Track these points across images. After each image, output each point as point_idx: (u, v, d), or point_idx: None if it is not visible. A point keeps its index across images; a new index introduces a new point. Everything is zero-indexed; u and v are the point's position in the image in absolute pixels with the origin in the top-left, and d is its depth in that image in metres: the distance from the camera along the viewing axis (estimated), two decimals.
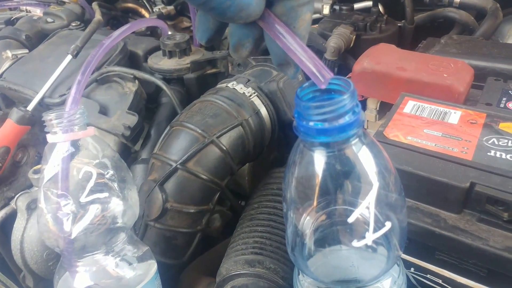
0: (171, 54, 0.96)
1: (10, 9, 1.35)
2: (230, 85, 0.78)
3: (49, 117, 0.58)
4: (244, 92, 0.76)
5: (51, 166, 0.59)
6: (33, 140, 0.92)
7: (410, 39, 1.05)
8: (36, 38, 1.19)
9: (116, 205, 0.61)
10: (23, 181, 0.86)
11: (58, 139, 0.58)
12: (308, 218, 0.48)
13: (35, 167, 0.83)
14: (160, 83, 0.86)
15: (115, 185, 0.61)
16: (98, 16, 1.02)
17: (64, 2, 1.24)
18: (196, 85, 0.97)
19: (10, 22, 1.26)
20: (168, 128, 0.74)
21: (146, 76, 0.86)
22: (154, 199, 0.68)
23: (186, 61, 0.97)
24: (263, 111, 0.77)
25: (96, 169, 0.60)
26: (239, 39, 0.42)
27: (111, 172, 0.61)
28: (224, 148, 0.71)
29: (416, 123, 0.62)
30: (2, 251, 0.81)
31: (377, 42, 0.97)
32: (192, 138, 0.70)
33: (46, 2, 1.28)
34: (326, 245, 0.47)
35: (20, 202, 0.77)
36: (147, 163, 0.81)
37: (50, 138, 0.59)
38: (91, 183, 0.59)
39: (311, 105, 0.42)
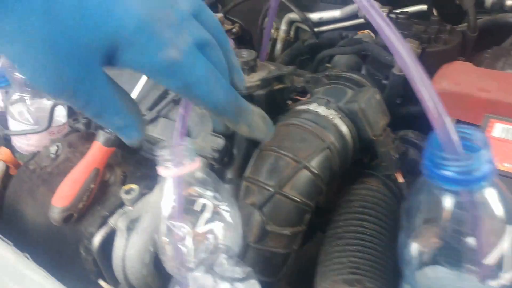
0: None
1: None
2: (312, 107, 0.81)
3: (163, 153, 0.62)
4: (327, 115, 0.80)
5: (168, 200, 0.64)
6: (117, 159, 0.97)
7: (471, 48, 1.06)
8: None
9: (227, 232, 0.65)
10: (114, 200, 0.91)
11: (172, 173, 0.63)
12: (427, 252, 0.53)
13: (124, 187, 0.89)
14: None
15: (228, 214, 0.66)
16: None
17: None
18: (265, 101, 1.00)
19: None
20: (257, 151, 0.78)
21: None
22: (255, 222, 0.73)
23: (254, 78, 1.00)
24: (345, 131, 0.81)
25: (210, 199, 0.65)
26: None
27: (224, 202, 0.66)
28: (316, 172, 0.74)
29: (508, 147, 0.65)
30: (102, 267, 0.87)
31: (442, 55, 0.99)
32: (285, 163, 0.74)
33: None
34: None
35: (120, 223, 0.83)
36: (234, 183, 0.85)
37: (163, 172, 0.63)
38: (207, 214, 0.64)
39: (447, 156, 0.45)
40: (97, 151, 0.90)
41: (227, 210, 0.65)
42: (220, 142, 0.84)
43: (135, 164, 1.00)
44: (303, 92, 1.09)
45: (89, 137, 1.08)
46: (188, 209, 0.64)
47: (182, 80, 0.42)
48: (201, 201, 0.64)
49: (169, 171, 0.64)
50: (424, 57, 0.98)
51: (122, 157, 0.98)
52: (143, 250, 0.82)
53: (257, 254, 0.75)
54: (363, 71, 1.12)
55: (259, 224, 0.73)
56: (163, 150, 0.63)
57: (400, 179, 0.90)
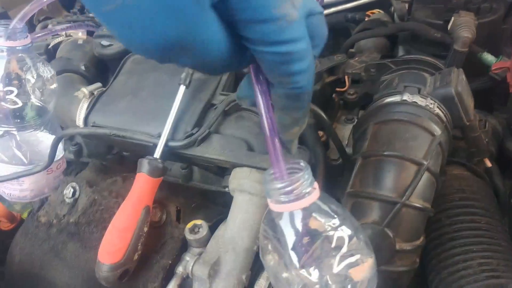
0: None
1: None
2: (407, 98, 0.70)
3: (281, 186, 0.49)
4: (426, 105, 0.69)
5: (291, 241, 0.51)
6: (165, 192, 0.79)
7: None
8: (93, 67, 1.02)
9: (365, 265, 0.53)
10: (172, 243, 0.74)
11: (291, 208, 0.50)
12: None
13: (188, 226, 0.72)
14: (316, 109, 0.76)
15: (360, 242, 0.53)
16: None
17: None
18: (319, 98, 0.88)
19: (48, 51, 1.07)
20: (359, 159, 0.66)
21: None
22: (384, 243, 0.61)
23: None
24: (445, 120, 0.71)
25: (345, 230, 0.52)
26: (242, 93, 0.48)
27: (351, 228, 0.53)
28: (436, 172, 0.64)
29: None
30: None
31: (491, 25, 0.93)
32: (405, 168, 0.62)
33: (85, 22, 1.10)
34: None
35: (200, 271, 0.66)
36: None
37: (283, 207, 0.50)
38: (343, 249, 0.51)
39: None
40: (144, 184, 0.72)
41: (359, 238, 0.53)
42: (305, 154, 0.70)
43: (182, 194, 0.83)
44: (356, 82, 0.98)
45: (107, 170, 0.89)
46: (320, 247, 0.51)
47: (287, 46, 0.36)
48: (335, 234, 0.51)
49: (290, 205, 0.50)
50: (478, 29, 0.91)
51: (168, 189, 0.81)
52: None
53: (384, 278, 0.63)
54: (400, 52, 1.03)
55: (389, 244, 0.61)
56: (282, 185, 0.50)
57: (489, 163, 0.82)
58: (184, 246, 0.74)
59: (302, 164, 0.52)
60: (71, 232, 0.77)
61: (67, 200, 0.81)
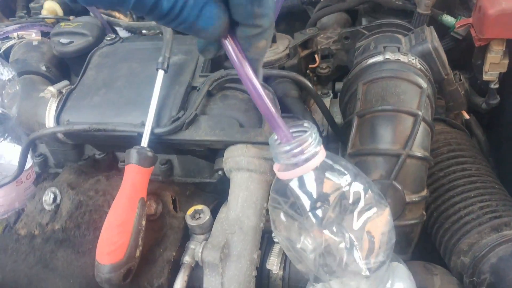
0: None
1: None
2: (389, 56, 0.71)
3: (290, 147, 0.48)
4: (409, 61, 0.71)
5: (307, 204, 0.50)
6: (157, 183, 0.75)
7: None
8: (54, 67, 0.96)
9: (382, 218, 0.53)
10: (173, 233, 0.70)
11: (304, 171, 0.49)
12: None
13: (188, 213, 0.69)
14: (303, 79, 0.75)
15: (375, 194, 0.53)
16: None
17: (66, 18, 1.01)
18: (298, 71, 0.88)
19: (3, 56, 0.99)
20: (356, 119, 0.66)
21: (292, 75, 0.75)
22: (394, 197, 0.61)
23: (280, 48, 0.87)
24: (427, 74, 0.73)
25: (359, 184, 0.52)
26: (205, 44, 0.48)
27: (362, 182, 0.53)
28: (429, 121, 0.65)
29: None
30: None
31: None
32: (403, 120, 0.63)
33: (34, 23, 1.03)
34: None
35: (210, 256, 0.63)
36: None
37: (293, 173, 0.49)
38: (361, 204, 0.51)
39: None
40: (136, 176, 0.68)
41: (373, 190, 0.53)
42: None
43: (175, 182, 0.79)
44: (325, 57, 0.99)
45: (87, 170, 0.83)
46: (339, 205, 0.50)
47: None
48: (351, 189, 0.51)
49: (303, 168, 0.49)
50: None
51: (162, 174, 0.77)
52: (247, 280, 0.64)
53: (398, 233, 0.63)
54: (364, 23, 1.05)
55: (399, 198, 0.61)
56: (283, 146, 0.49)
57: (467, 115, 0.86)
58: (185, 236, 0.71)
59: (306, 124, 0.51)
60: (59, 239, 0.71)
61: (48, 207, 0.75)
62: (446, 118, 0.84)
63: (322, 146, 0.49)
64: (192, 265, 0.66)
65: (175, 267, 0.67)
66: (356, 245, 0.48)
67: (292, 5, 1.31)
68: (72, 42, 0.94)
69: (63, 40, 0.94)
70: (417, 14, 0.90)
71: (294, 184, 0.49)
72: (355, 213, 0.49)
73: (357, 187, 0.49)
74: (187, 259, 0.67)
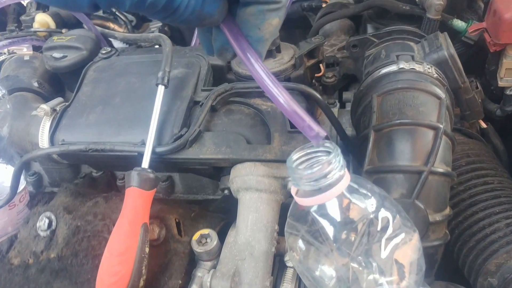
0: (267, 55, 0.80)
1: None
2: (404, 66, 0.67)
3: (306, 172, 0.44)
4: (425, 70, 0.67)
5: (331, 228, 0.46)
6: (160, 206, 0.71)
7: None
8: (47, 83, 0.91)
9: (411, 244, 0.49)
10: (178, 260, 0.66)
11: (327, 198, 0.45)
12: None
13: (194, 238, 0.64)
14: (312, 91, 0.71)
15: (403, 219, 0.49)
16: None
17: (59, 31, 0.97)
18: (304, 81, 0.83)
19: None
20: (372, 133, 0.62)
21: (301, 87, 0.71)
22: (416, 217, 0.57)
23: (285, 58, 0.82)
24: (443, 82, 0.69)
25: (387, 209, 0.48)
26: (223, 44, 0.46)
27: (388, 205, 0.49)
28: (450, 134, 0.61)
29: None
30: None
31: None
32: (423, 135, 0.59)
33: (25, 37, 0.98)
34: None
35: (219, 286, 0.59)
36: None
37: (315, 199, 0.45)
38: (389, 231, 0.46)
39: None
40: (137, 199, 0.63)
41: (401, 214, 0.49)
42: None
43: (179, 202, 0.74)
44: (330, 65, 0.95)
45: (83, 194, 0.78)
46: (367, 233, 0.46)
47: None
48: (380, 215, 0.47)
49: (323, 197, 0.45)
50: None
51: (160, 202, 0.72)
52: None
53: None
54: (369, 30, 1.02)
55: (422, 217, 0.57)
56: (304, 170, 0.44)
57: (484, 124, 0.82)
58: (191, 262, 0.66)
59: (328, 144, 0.46)
60: (54, 269, 0.66)
61: (42, 234, 0.70)
62: (462, 128, 0.80)
63: (346, 169, 0.44)
64: None
65: None
66: (385, 275, 0.44)
67: (292, 11, 1.27)
68: (66, 56, 0.89)
69: (56, 54, 0.90)
70: (426, 19, 0.87)
71: (315, 211, 0.45)
72: (383, 241, 0.44)
73: (385, 212, 0.45)
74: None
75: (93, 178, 0.87)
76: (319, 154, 0.46)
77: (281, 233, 0.66)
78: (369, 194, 0.46)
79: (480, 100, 0.77)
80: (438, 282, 0.64)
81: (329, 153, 0.45)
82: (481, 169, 0.70)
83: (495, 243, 0.61)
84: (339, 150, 0.45)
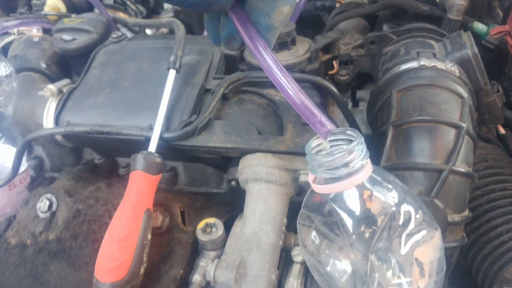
0: (281, 47, 0.78)
1: None
2: (425, 63, 0.65)
3: (333, 158, 0.41)
4: (447, 68, 0.65)
5: (350, 220, 0.43)
6: (165, 193, 0.68)
7: None
8: (54, 64, 0.89)
9: (433, 241, 0.46)
10: (181, 249, 0.63)
11: (346, 186, 0.42)
12: None
13: (199, 226, 0.62)
14: (328, 84, 0.69)
15: (425, 214, 0.47)
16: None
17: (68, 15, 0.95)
18: (319, 76, 0.81)
19: (1, 51, 0.92)
20: (391, 129, 0.59)
21: (317, 79, 0.68)
22: (434, 216, 0.54)
23: (300, 51, 0.80)
24: (466, 82, 0.67)
25: (410, 203, 0.45)
26: (230, 32, 0.44)
27: (410, 199, 0.46)
28: (473, 134, 0.59)
29: None
30: None
31: None
32: (445, 132, 0.57)
33: (36, 19, 0.96)
34: None
35: (223, 276, 0.56)
36: None
37: (333, 187, 0.43)
38: (411, 226, 0.44)
39: None
40: (142, 184, 0.61)
41: (423, 210, 0.46)
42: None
43: (184, 194, 0.72)
44: (344, 63, 0.93)
45: (86, 176, 0.76)
46: (388, 227, 0.43)
47: None
48: (401, 209, 0.44)
49: (343, 184, 0.42)
50: None
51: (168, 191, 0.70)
52: None
53: None
54: (386, 29, 0.99)
55: (440, 217, 0.54)
56: (325, 156, 0.42)
57: (503, 130, 0.80)
58: (194, 252, 0.64)
59: (350, 132, 0.44)
60: (52, 250, 0.64)
61: (42, 215, 0.68)
62: (480, 132, 0.78)
63: (369, 159, 0.42)
64: (202, 285, 0.59)
65: (183, 286, 0.60)
66: (404, 273, 0.41)
67: (305, 11, 1.25)
68: (75, 39, 0.87)
69: (66, 36, 0.88)
70: (447, 20, 0.85)
71: (333, 201, 0.42)
72: (403, 236, 0.42)
73: (407, 207, 0.42)
74: (196, 278, 0.59)
75: (95, 164, 0.85)
76: (340, 142, 0.44)
77: (288, 228, 0.64)
78: (391, 187, 0.44)
79: (500, 104, 0.75)
80: None
81: (351, 141, 0.43)
82: (500, 174, 0.68)
83: None
84: (362, 139, 0.43)
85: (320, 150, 0.44)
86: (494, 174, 0.68)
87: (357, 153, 0.41)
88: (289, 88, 0.42)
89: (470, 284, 0.68)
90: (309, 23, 1.28)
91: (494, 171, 0.68)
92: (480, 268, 0.62)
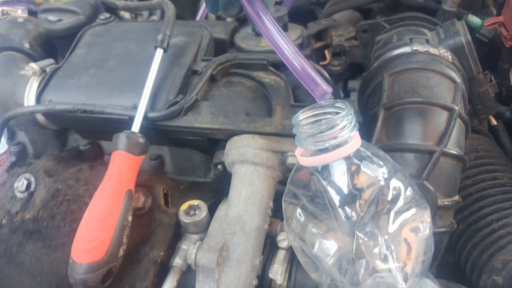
0: None
1: None
2: (418, 48, 0.64)
3: (310, 128, 0.40)
4: (440, 53, 0.63)
5: (336, 194, 0.42)
6: (147, 174, 0.66)
7: None
8: (39, 45, 0.87)
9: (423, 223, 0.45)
10: (162, 231, 0.61)
11: (335, 157, 0.41)
12: None
13: (182, 208, 0.60)
14: (320, 68, 0.67)
15: (415, 192, 0.45)
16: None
17: None
18: None
19: None
20: (382, 111, 0.58)
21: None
22: (425, 199, 0.52)
23: (291, 37, 0.79)
24: (459, 68, 0.66)
25: (399, 179, 0.44)
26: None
27: (399, 176, 0.45)
28: (465, 118, 0.58)
29: None
30: None
31: None
32: (437, 115, 0.56)
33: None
34: None
35: (205, 259, 0.54)
36: None
37: (319, 159, 0.41)
38: (399, 202, 0.42)
39: None
40: (123, 164, 0.59)
41: (413, 187, 0.45)
42: None
43: (167, 174, 0.70)
44: (337, 54, 0.92)
45: (67, 160, 0.74)
46: (376, 202, 0.42)
47: None
48: (390, 185, 0.42)
49: (330, 155, 0.41)
50: None
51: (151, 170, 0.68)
52: None
53: None
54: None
55: (430, 200, 0.53)
56: (311, 127, 0.41)
57: (494, 121, 0.79)
58: (176, 235, 0.61)
59: (340, 104, 0.43)
60: (28, 230, 0.61)
61: (19, 195, 0.65)
62: (471, 123, 0.76)
63: (357, 132, 0.40)
64: (183, 269, 0.57)
65: (162, 269, 0.58)
66: (392, 251, 0.39)
67: (299, 5, 1.24)
68: (61, 20, 0.85)
69: (52, 17, 0.85)
70: (441, 11, 0.84)
71: (320, 174, 0.40)
72: (392, 213, 0.40)
73: (397, 182, 0.41)
74: (177, 261, 0.57)
75: (80, 151, 0.83)
76: (328, 114, 0.43)
77: (274, 215, 0.62)
78: (381, 162, 0.42)
79: (493, 95, 0.74)
80: (438, 280, 0.60)
81: (339, 112, 0.41)
82: (490, 164, 0.67)
83: (503, 238, 0.57)
84: (351, 110, 0.41)
85: (308, 122, 0.42)
86: (484, 164, 0.67)
87: (345, 123, 0.40)
88: (287, 50, 0.42)
89: (458, 277, 0.66)
90: (303, 18, 1.27)
91: (484, 161, 0.67)
92: (469, 258, 0.61)
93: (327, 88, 0.41)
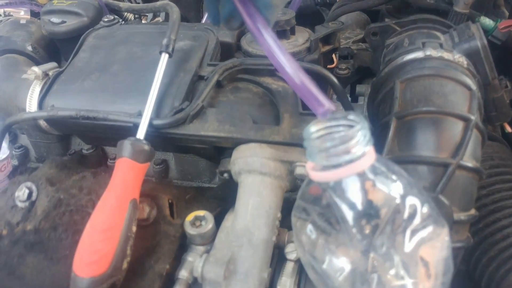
0: (280, 35, 0.75)
1: None
2: (431, 53, 0.62)
3: (325, 143, 0.38)
4: (454, 59, 0.61)
5: (349, 212, 0.40)
6: (152, 183, 0.64)
7: None
8: (42, 48, 0.85)
9: (439, 239, 0.42)
10: (168, 243, 0.59)
11: (346, 173, 0.39)
12: None
13: (188, 219, 0.58)
14: (328, 73, 0.65)
15: (432, 210, 0.43)
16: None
17: None
18: None
19: None
20: (394, 120, 0.56)
21: (316, 68, 0.65)
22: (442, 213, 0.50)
23: (299, 40, 0.77)
24: (475, 74, 0.63)
25: (415, 196, 0.42)
26: (230, 11, 0.45)
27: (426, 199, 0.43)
28: (482, 128, 0.56)
29: None
30: None
31: None
32: (452, 125, 0.53)
33: (24, 0, 0.92)
34: None
35: (211, 272, 0.52)
36: None
37: (331, 174, 0.39)
38: (416, 221, 0.40)
39: None
40: (128, 172, 0.57)
41: (430, 205, 0.43)
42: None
43: (174, 186, 0.68)
44: (344, 57, 0.90)
45: (70, 167, 0.72)
46: (392, 221, 0.40)
47: None
48: (406, 202, 0.40)
49: (344, 171, 0.39)
50: None
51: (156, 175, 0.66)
52: None
53: None
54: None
55: (445, 215, 0.51)
56: (324, 141, 0.39)
57: (509, 128, 0.76)
58: (182, 246, 0.60)
59: (352, 117, 0.41)
60: (29, 242, 0.59)
61: (20, 205, 0.64)
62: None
63: (372, 146, 0.38)
64: (189, 282, 0.55)
65: (168, 282, 0.56)
66: (409, 272, 0.38)
67: (305, 6, 1.22)
68: (65, 22, 0.83)
69: (55, 19, 0.84)
70: (453, 13, 0.81)
71: (333, 190, 0.38)
72: (408, 232, 0.38)
73: (413, 199, 0.39)
74: (183, 274, 0.55)
75: (83, 155, 0.81)
76: (341, 127, 0.41)
77: (281, 224, 0.60)
78: (396, 178, 0.40)
79: (508, 101, 0.72)
80: None
81: (353, 127, 0.39)
82: (506, 174, 0.65)
83: None
84: (366, 124, 0.39)
85: (320, 135, 0.40)
86: (500, 173, 0.65)
87: (359, 138, 0.38)
88: (287, 66, 0.40)
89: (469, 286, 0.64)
90: (309, 19, 1.25)
91: (500, 170, 0.65)
92: (485, 272, 0.59)
93: (330, 106, 0.39)
